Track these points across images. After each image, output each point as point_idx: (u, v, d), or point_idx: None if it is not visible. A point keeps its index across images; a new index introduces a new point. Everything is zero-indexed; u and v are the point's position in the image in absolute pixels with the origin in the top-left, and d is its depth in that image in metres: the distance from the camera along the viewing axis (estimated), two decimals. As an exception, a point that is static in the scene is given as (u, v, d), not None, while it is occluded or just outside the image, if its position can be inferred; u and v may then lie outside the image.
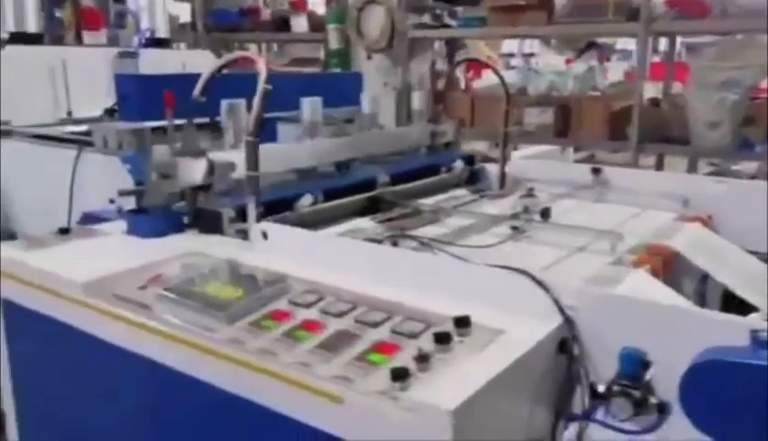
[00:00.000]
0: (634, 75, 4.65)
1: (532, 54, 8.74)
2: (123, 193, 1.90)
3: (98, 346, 1.43)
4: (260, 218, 1.72)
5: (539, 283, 1.25)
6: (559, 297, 1.24)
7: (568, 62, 4.84)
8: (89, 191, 2.24)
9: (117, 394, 1.46)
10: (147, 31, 3.33)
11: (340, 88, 2.50)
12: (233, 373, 1.21)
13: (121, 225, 1.89)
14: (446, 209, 2.29)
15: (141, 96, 2.13)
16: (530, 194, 2.13)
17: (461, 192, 2.65)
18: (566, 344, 1.22)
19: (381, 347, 1.16)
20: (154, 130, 2.22)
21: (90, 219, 2.11)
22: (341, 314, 1.29)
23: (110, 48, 3.17)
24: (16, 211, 2.62)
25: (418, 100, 2.76)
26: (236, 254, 1.65)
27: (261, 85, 1.72)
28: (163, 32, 3.45)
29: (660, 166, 4.39)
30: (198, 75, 1.88)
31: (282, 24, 5.45)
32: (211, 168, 1.88)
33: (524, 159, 2.91)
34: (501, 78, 2.71)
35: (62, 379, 1.58)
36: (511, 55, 8.87)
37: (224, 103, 1.93)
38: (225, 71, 1.86)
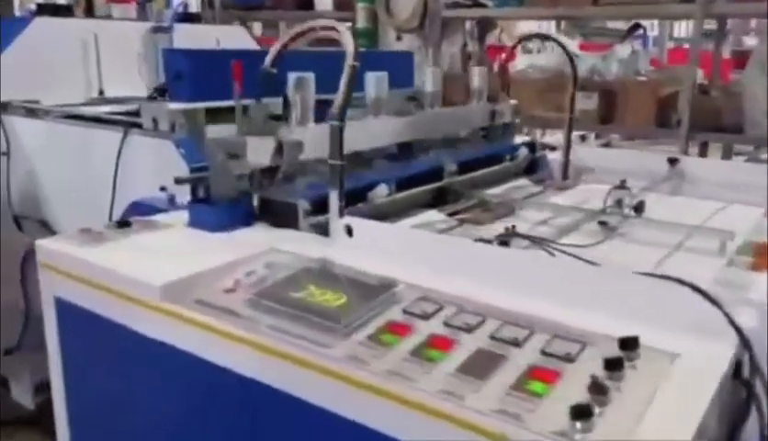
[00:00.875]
0: (657, 61, 4.46)
1: (548, 37, 8.52)
2: (180, 180, 1.71)
3: (177, 358, 1.26)
4: (343, 212, 1.54)
5: (709, 297, 1.08)
6: (730, 313, 1.07)
7: (605, 47, 4.64)
8: (135, 178, 2.05)
9: (198, 411, 1.28)
10: (180, 5, 3.12)
11: (391, 68, 2.31)
12: (353, 397, 1.04)
13: (179, 216, 1.71)
14: (519, 201, 2.12)
15: (194, 74, 1.94)
16: (622, 186, 1.95)
17: (523, 181, 2.48)
18: (740, 369, 1.06)
19: (539, 373, 0.98)
20: (209, 111, 2.03)
21: (139, 209, 1.92)
22: (470, 329, 1.11)
23: (141, 22, 2.96)
24: (49, 198, 2.42)
25: (478, 78, 2.57)
26: (317, 251, 1.47)
27: (349, 62, 1.53)
28: (194, 7, 3.24)
29: (703, 156, 4.22)
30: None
31: (305, 2, 5.22)
32: (280, 148, 1.70)
33: (587, 147, 2.73)
34: (571, 60, 2.53)
35: (129, 393, 1.40)
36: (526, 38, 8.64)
37: (292, 76, 1.73)
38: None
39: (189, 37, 2.71)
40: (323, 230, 1.65)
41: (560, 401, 0.92)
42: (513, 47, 2.86)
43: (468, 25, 4.84)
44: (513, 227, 1.51)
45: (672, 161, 2.40)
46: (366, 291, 1.25)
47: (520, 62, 4.66)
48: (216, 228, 1.60)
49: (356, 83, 1.52)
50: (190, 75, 1.95)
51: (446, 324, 1.13)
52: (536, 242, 1.46)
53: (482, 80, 2.57)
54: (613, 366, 0.96)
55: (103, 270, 1.37)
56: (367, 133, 2.00)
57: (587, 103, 3.87)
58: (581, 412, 0.86)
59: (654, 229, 1.81)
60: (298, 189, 1.70)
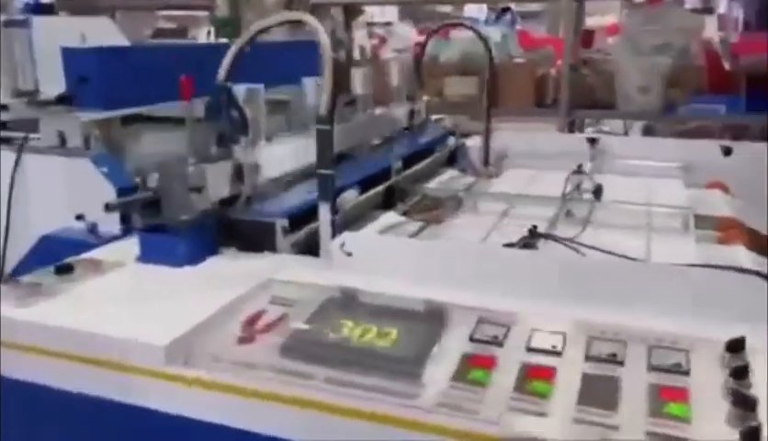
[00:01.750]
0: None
1: (389, 23, 8.58)
2: (114, 207, 1.42)
3: (201, 434, 1.01)
4: (336, 228, 1.36)
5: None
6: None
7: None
8: (37, 205, 1.68)
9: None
10: (29, -6, 2.64)
11: (286, 61, 2.09)
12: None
13: (119, 250, 1.42)
14: (474, 193, 2.03)
15: (106, 77, 1.61)
16: (579, 171, 1.93)
17: (452, 172, 2.41)
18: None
19: (668, 393, 0.89)
20: (125, 120, 1.71)
21: (52, 244, 1.59)
22: (558, 351, 1.00)
23: (-14, 16, 2.47)
24: None
25: (397, 75, 2.44)
26: (317, 276, 1.28)
27: (327, 55, 1.34)
28: (41, -5, 2.77)
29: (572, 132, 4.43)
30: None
31: (152, -10, 4.76)
32: (239, 173, 1.47)
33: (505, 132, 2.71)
34: (485, 42, 2.48)
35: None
36: (372, 24, 8.63)
37: (241, 89, 1.50)
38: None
39: (50, 31, 2.31)
40: (306, 249, 1.46)
41: (709, 423, 0.83)
42: (427, 38, 2.75)
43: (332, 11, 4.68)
44: (535, 227, 1.41)
45: (592, 141, 2.45)
46: (415, 321, 1.09)
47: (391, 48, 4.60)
48: (182, 261, 1.34)
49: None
50: (101, 78, 1.63)
51: (530, 349, 1.00)
52: (564, 243, 1.37)
53: (401, 78, 2.46)
54: (740, 373, 0.90)
55: (70, 334, 1.08)
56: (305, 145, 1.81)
57: (466, 86, 3.90)
58: (753, 436, 0.79)
59: (617, 213, 1.81)
60: (266, 208, 1.48)
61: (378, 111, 2.41)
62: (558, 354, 0.99)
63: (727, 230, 1.73)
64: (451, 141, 2.47)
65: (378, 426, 0.92)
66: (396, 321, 1.08)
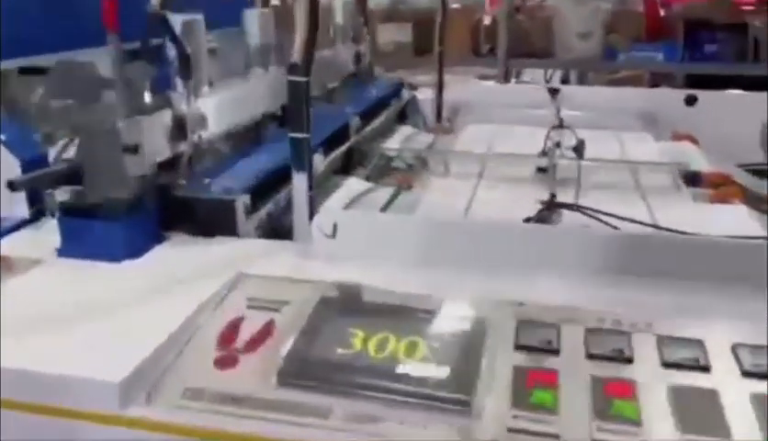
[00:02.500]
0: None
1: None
2: (19, 184, 1.11)
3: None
4: (314, 203, 1.10)
5: None
6: None
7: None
8: None
9: None
10: None
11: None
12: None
13: (28, 240, 1.12)
14: (441, 153, 1.81)
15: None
16: (561, 125, 1.74)
17: (408, 129, 2.18)
18: None
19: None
20: (25, 71, 1.36)
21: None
22: (628, 357, 0.80)
23: None
24: None
25: (342, 13, 2.15)
26: (298, 268, 1.04)
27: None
28: None
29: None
30: None
31: None
32: (180, 127, 1.18)
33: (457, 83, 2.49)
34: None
35: None
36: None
37: (177, 19, 1.19)
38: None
39: None
40: (270, 231, 1.20)
41: None
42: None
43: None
44: (554, 196, 1.20)
45: (553, 91, 2.28)
46: (442, 325, 0.87)
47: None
48: (120, 253, 1.05)
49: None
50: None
51: (593, 356, 0.80)
52: (583, 211, 1.16)
53: (345, 14, 2.16)
54: None
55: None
56: (256, 95, 1.52)
57: (401, 34, 3.64)
58: None
59: (599, 171, 1.64)
60: (219, 180, 1.20)
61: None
62: (628, 360, 0.80)
63: (718, 186, 1.61)
64: (404, 93, 2.23)
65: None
66: (418, 326, 0.86)
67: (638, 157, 1.75)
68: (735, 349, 0.80)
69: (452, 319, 0.88)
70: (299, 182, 1.09)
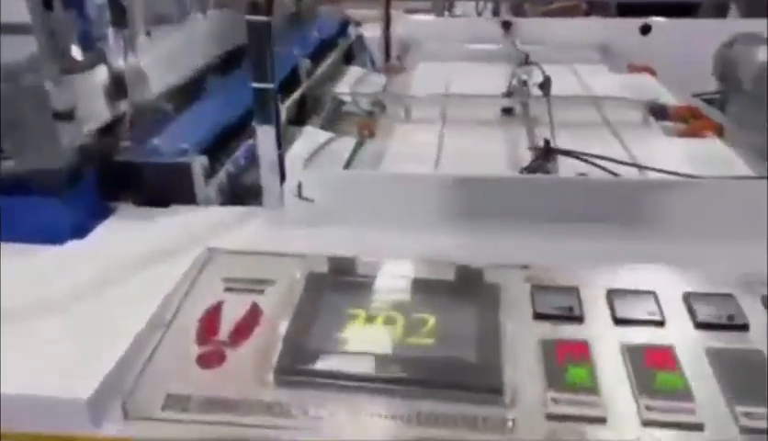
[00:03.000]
0: None
1: None
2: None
3: None
4: (282, 162, 0.98)
5: None
6: None
7: None
8: None
9: None
10: None
11: None
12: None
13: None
14: (400, 97, 1.68)
15: None
16: (528, 62, 1.64)
17: (356, 70, 2.03)
18: None
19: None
20: None
21: None
22: (658, 321, 0.73)
23: None
24: None
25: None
26: (269, 238, 0.92)
27: None
28: None
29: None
30: None
31: None
32: (119, 85, 1.03)
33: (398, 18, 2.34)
34: None
35: None
36: None
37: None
38: None
39: None
40: (235, 196, 1.07)
41: None
42: None
43: None
44: (548, 143, 1.10)
45: (506, 24, 2.17)
46: (451, 297, 0.77)
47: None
48: (63, 234, 0.90)
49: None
50: None
51: (621, 321, 0.73)
52: (579, 157, 1.07)
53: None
54: None
55: None
56: (198, 43, 1.35)
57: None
58: None
59: (565, 108, 1.56)
60: (167, 141, 1.05)
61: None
62: (660, 323, 0.73)
63: (685, 120, 1.56)
64: (351, 31, 2.07)
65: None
66: (424, 299, 0.76)
67: (600, 91, 1.68)
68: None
69: (460, 287, 0.79)
70: (266, 138, 0.96)
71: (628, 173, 1.06)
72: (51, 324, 0.73)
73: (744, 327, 0.72)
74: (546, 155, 1.05)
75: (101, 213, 0.96)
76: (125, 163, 1.00)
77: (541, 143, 1.12)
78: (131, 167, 1.00)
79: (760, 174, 1.11)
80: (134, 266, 0.85)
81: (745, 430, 0.60)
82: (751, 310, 0.73)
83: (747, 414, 0.61)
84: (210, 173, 1.02)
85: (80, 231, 0.91)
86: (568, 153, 1.05)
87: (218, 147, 1.08)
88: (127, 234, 0.94)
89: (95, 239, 0.92)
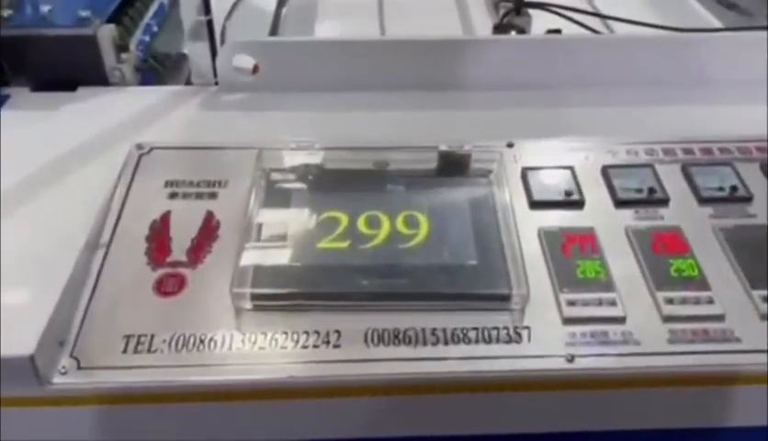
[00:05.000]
0: None
1: None
2: None
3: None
4: (212, 30, 0.81)
5: None
6: None
7: None
8: None
9: None
10: None
11: None
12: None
13: None
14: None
15: None
16: None
17: None
18: None
19: None
20: None
21: None
22: (659, 198, 0.68)
23: None
24: None
25: None
26: (208, 124, 0.79)
27: None
28: None
29: None
30: None
31: None
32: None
33: None
34: None
35: None
36: None
37: None
38: None
39: None
40: (154, 73, 0.91)
41: None
42: None
43: None
44: None
45: None
46: (437, 188, 0.69)
47: None
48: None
49: None
50: None
51: (623, 202, 0.67)
52: (553, 10, 0.94)
53: None
54: None
55: None
56: None
57: None
58: None
59: None
60: (63, 7, 0.85)
61: None
62: (663, 202, 0.68)
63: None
64: None
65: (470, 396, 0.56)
66: (408, 193, 0.67)
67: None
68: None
69: (443, 173, 0.70)
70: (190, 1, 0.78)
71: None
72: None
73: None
74: (518, 10, 0.92)
75: (-9, 103, 0.78)
76: (11, 37, 0.80)
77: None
78: (19, 42, 0.80)
79: (725, 23, 1.04)
80: (48, 170, 0.70)
81: (765, 317, 0.57)
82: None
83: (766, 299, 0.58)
84: (122, 46, 0.84)
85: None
86: (541, 6, 0.93)
87: (126, 12, 0.89)
88: (30, 128, 0.77)
89: (-8, 138, 0.74)
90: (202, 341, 0.55)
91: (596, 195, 0.68)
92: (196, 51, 0.81)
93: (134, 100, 0.81)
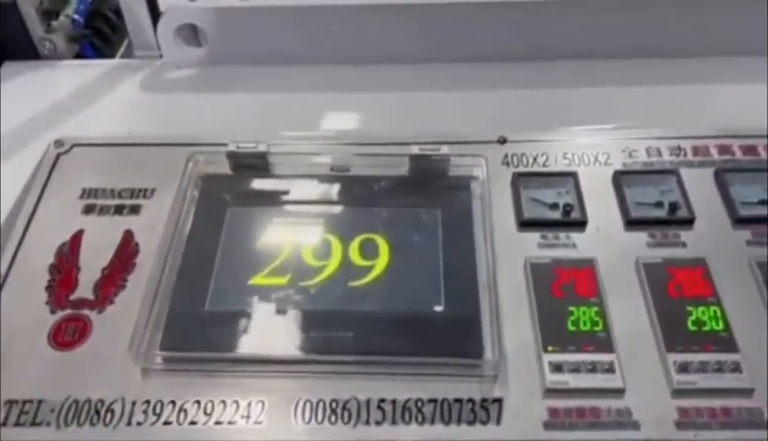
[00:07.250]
0: None
1: None
2: None
3: None
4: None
5: None
6: None
7: None
8: None
9: None
10: None
11: None
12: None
13: None
14: None
15: None
16: None
17: None
18: None
19: None
20: None
21: None
22: (685, 217, 0.54)
23: None
24: None
25: None
26: (138, 110, 0.67)
27: None
28: None
29: None
30: None
31: None
32: None
33: None
34: None
35: None
36: None
37: None
38: None
39: None
40: (91, 46, 0.78)
41: None
42: None
43: None
44: None
45: None
46: (401, 196, 0.56)
47: None
48: None
49: None
50: None
51: (634, 222, 0.54)
52: None
53: None
54: None
55: None
56: None
57: None
58: None
59: None
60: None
61: None
62: (687, 223, 0.54)
63: None
64: None
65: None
66: (371, 210, 0.55)
67: None
68: None
69: (415, 182, 0.57)
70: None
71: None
72: None
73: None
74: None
75: None
76: None
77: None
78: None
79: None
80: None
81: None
82: None
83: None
84: (50, 13, 0.72)
85: None
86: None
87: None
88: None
89: None
90: (98, 411, 0.45)
91: (603, 211, 0.55)
92: (134, 19, 0.68)
93: (64, 78, 0.69)
